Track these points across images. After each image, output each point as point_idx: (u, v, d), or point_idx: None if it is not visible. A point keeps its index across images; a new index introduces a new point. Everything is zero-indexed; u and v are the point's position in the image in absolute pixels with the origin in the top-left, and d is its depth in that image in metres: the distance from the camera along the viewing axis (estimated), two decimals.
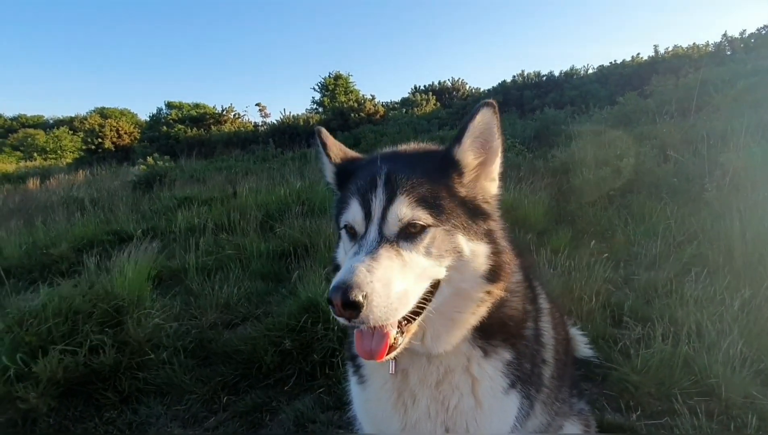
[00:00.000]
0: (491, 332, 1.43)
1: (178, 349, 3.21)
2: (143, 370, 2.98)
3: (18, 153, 29.21)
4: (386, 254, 1.21)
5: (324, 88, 25.70)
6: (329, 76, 25.69)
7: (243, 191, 8.46)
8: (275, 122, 23.82)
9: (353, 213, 1.33)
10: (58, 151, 26.93)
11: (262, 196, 7.80)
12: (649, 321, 3.16)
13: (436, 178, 1.34)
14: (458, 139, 1.40)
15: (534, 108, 17.24)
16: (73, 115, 35.60)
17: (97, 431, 2.65)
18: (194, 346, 3.33)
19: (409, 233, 1.26)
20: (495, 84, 22.87)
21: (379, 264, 1.18)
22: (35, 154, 27.01)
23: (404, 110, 22.93)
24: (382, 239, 1.24)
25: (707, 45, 18.50)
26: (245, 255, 5.26)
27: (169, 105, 26.81)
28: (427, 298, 1.29)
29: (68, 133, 28.56)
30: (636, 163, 6.49)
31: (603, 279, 3.81)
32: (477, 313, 1.37)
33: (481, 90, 24.94)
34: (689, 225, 4.69)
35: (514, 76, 22.38)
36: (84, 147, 25.35)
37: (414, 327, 1.29)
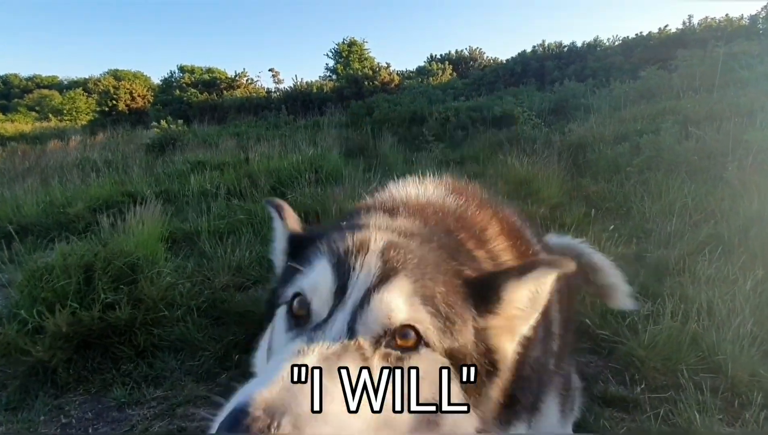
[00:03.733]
0: None
1: (192, 308, 3.29)
2: (158, 326, 3.06)
3: (34, 113, 29.43)
4: (352, 365, 0.77)
5: (338, 54, 25.19)
6: (343, 42, 25.13)
7: (255, 157, 8.46)
8: (288, 88, 23.57)
9: (317, 278, 0.91)
10: (73, 113, 27.05)
11: (273, 163, 7.80)
12: (659, 298, 3.15)
13: (455, 291, 0.94)
14: (520, 273, 0.96)
15: (554, 80, 16.78)
16: (87, 77, 35.57)
17: (115, 382, 2.75)
18: (207, 306, 3.40)
19: (393, 345, 0.84)
20: (514, 54, 22.23)
21: (334, 380, 0.73)
22: (50, 115, 27.18)
23: (420, 79, 22.47)
24: (351, 340, 0.82)
25: (741, 18, 17.62)
26: (257, 220, 5.30)
27: (182, 68, 26.58)
28: None
29: (83, 94, 28.59)
30: (656, 140, 6.32)
31: (614, 255, 3.78)
32: None
33: (500, 60, 24.27)
34: (707, 204, 4.60)
35: (534, 47, 21.70)
36: (98, 109, 25.42)
37: None
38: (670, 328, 2.76)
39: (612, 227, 4.29)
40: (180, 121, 13.22)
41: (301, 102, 20.98)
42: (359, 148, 10.04)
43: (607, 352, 2.89)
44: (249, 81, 25.42)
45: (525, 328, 1.02)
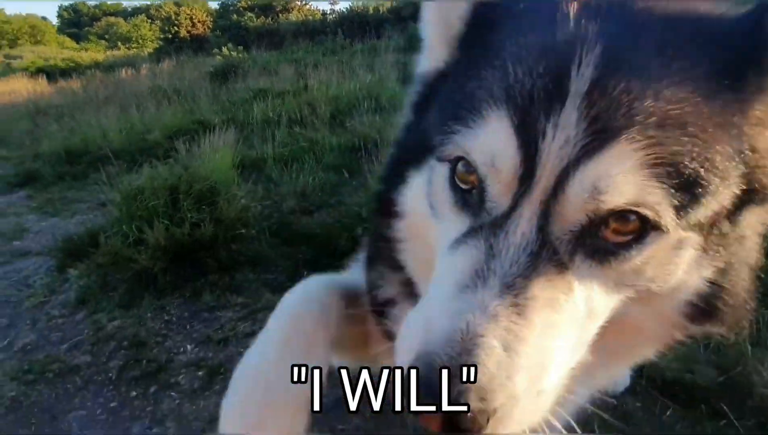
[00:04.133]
0: None
1: (264, 228, 3.62)
2: (236, 243, 3.43)
3: (103, 42, 30.75)
4: (544, 300, 0.60)
5: None
6: None
7: (314, 85, 8.52)
8: (344, 10, 22.75)
9: (493, 148, 0.64)
10: (139, 41, 27.96)
11: (332, 90, 7.84)
12: None
13: (716, 94, 0.61)
14: None
15: None
16: (148, 3, 36.15)
17: (203, 289, 3.18)
18: (277, 228, 3.72)
19: (603, 238, 0.62)
20: None
21: (528, 332, 0.58)
22: (119, 43, 28.27)
23: None
24: (543, 249, 0.61)
25: None
26: (317, 148, 5.50)
27: None
28: None
29: (146, 21, 29.28)
30: None
31: None
32: (653, 348, 0.83)
33: None
34: None
35: None
36: (162, 36, 26.05)
37: None
38: None
39: None
40: (240, 48, 13.36)
41: (357, 24, 20.26)
42: None
43: None
44: (304, 2, 24.76)
45: None
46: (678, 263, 0.65)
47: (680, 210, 0.60)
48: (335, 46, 16.05)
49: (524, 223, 0.62)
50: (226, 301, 3.08)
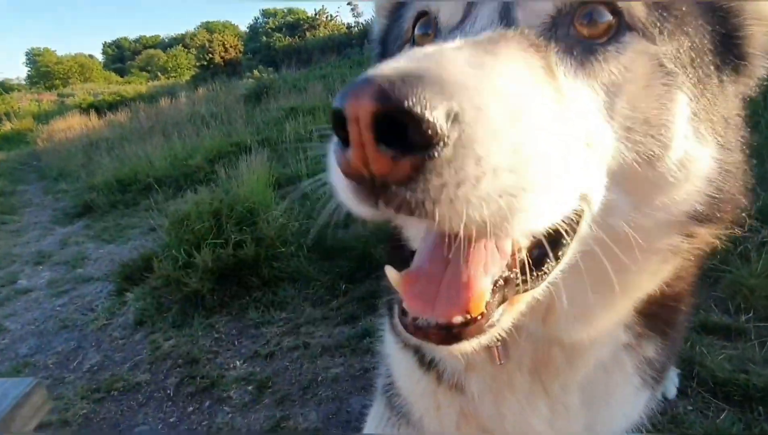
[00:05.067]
0: (653, 312, 0.82)
1: (302, 245, 3.74)
2: (277, 260, 3.57)
3: (145, 74, 32.57)
4: (517, 51, 0.52)
5: None
6: None
7: None
8: (368, 21, 23.08)
9: None
10: (178, 69, 29.43)
11: None
12: None
13: None
14: None
15: None
16: (183, 33, 38.08)
17: (249, 306, 3.33)
18: (314, 243, 3.84)
19: (581, 35, 0.57)
20: None
21: (497, 61, 0.48)
22: (159, 74, 29.86)
23: None
24: (509, 27, 0.57)
25: None
26: None
27: (265, 13, 27.25)
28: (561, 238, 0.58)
29: (183, 50, 30.80)
30: None
31: None
32: (658, 275, 0.73)
33: None
34: None
35: None
36: (197, 64, 27.31)
37: (530, 295, 0.60)
38: None
39: None
40: (270, 69, 13.82)
41: None
42: None
43: (712, 280, 2.78)
44: (329, 18, 25.30)
45: None
46: (669, 106, 0.59)
47: (651, 15, 0.57)
48: (362, 59, 16.29)
49: (483, 17, 0.58)
50: (270, 316, 3.21)
